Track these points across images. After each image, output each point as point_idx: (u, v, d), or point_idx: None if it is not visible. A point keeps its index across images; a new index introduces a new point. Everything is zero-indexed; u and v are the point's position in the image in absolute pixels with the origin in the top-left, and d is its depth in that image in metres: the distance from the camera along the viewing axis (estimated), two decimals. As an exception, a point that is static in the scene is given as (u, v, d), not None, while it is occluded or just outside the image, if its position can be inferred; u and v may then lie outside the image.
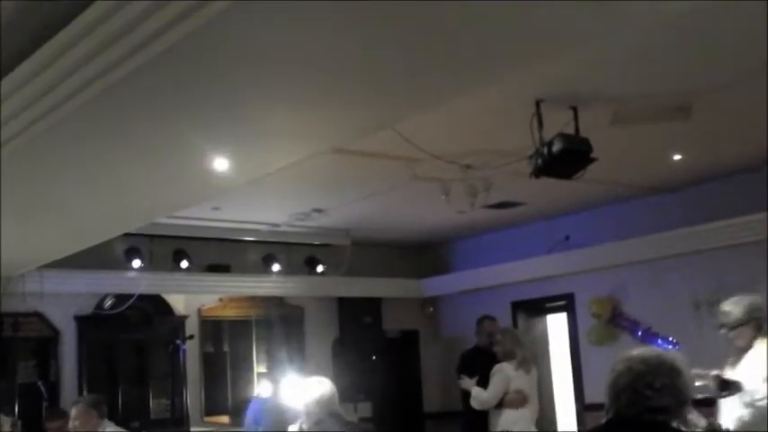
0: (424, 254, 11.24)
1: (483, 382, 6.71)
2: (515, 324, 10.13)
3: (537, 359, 10.16)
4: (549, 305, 10.24)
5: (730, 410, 4.77)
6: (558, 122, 5.60)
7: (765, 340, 4.80)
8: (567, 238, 9.52)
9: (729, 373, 4.81)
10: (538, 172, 5.72)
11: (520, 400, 6.61)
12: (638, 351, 2.68)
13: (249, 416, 8.36)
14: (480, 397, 6.71)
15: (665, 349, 4.56)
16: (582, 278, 9.43)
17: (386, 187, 7.64)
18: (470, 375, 6.84)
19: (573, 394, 9.73)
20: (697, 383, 5.58)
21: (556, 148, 5.57)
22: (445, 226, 9.85)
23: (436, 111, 4.87)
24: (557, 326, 10.35)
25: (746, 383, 4.71)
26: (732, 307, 4.91)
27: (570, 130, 5.66)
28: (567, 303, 9.85)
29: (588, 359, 9.38)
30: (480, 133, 6.21)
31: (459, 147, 6.39)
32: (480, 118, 5.86)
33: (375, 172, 7.15)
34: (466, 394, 7.00)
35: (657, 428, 2.53)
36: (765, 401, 4.65)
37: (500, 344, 6.77)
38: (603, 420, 2.64)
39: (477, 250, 10.64)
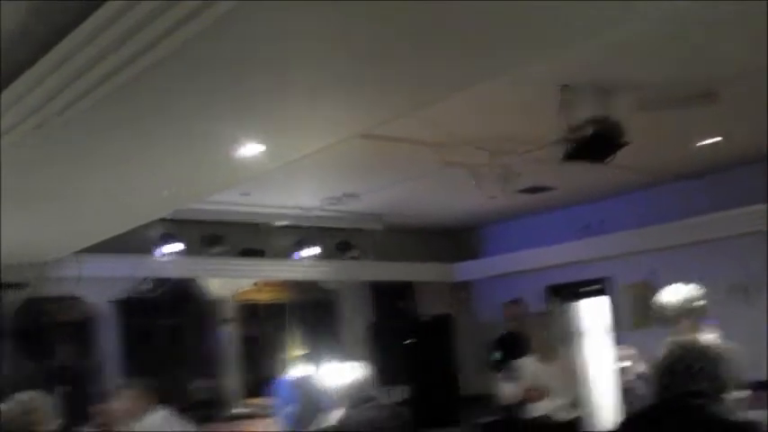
0: (456, 238, 11.24)
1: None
2: (549, 308, 10.11)
3: (571, 343, 10.17)
4: (583, 289, 10.20)
5: None
6: (588, 107, 5.56)
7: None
8: (600, 222, 9.47)
9: None
10: (569, 156, 5.70)
11: (537, 396, 6.58)
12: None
13: (282, 396, 8.39)
14: (503, 394, 6.72)
15: (711, 330, 4.46)
16: (617, 262, 9.39)
17: (416, 173, 7.65)
18: (503, 360, 6.84)
19: (609, 379, 9.68)
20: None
21: (587, 132, 5.55)
22: (477, 211, 9.84)
23: (466, 96, 4.85)
24: (591, 310, 10.30)
25: None
26: None
27: (601, 115, 5.62)
28: (602, 287, 9.81)
29: (623, 343, 9.32)
30: (510, 118, 6.19)
31: (488, 132, 6.38)
32: (510, 102, 5.84)
33: (405, 157, 7.15)
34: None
35: (692, 413, 2.51)
36: None
37: (523, 326, 6.79)
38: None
39: (509, 235, 10.63)
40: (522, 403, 6.61)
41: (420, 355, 10.74)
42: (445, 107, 5.11)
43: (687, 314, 4.55)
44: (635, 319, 9.17)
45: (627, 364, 6.00)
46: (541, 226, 10.07)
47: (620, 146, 5.70)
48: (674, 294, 4.64)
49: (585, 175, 7.30)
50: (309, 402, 7.85)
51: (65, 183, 5.52)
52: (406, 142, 6.55)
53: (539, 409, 6.55)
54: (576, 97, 5.50)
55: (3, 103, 4.50)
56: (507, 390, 6.66)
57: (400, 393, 10.25)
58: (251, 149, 4.92)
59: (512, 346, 6.96)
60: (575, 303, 10.42)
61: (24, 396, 4.63)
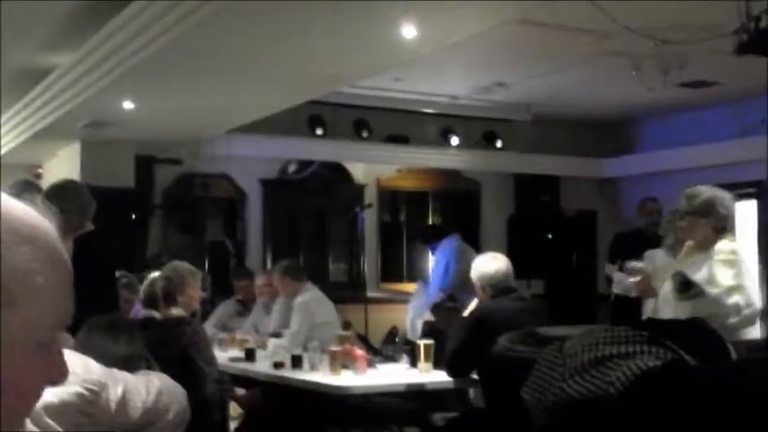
0: (607, 132, 10.89)
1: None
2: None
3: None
4: (738, 192, 9.75)
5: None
6: (768, -5, 5.17)
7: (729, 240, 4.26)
8: (763, 122, 8.97)
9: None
10: (742, 49, 5.33)
11: (651, 291, 6.31)
12: None
13: (441, 255, 7.91)
14: (622, 283, 6.49)
15: None
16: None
17: (573, 62, 7.38)
18: (622, 258, 6.59)
19: (757, 285, 9.35)
20: (630, 279, 5.14)
21: (764, 23, 5.16)
22: (632, 104, 9.48)
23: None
24: (746, 213, 9.88)
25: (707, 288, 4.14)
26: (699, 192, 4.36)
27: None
28: (758, 191, 9.38)
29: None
30: (679, 6, 5.84)
31: (654, 20, 6.04)
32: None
33: (563, 45, 6.90)
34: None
35: None
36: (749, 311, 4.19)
37: (657, 224, 6.51)
38: None
39: (664, 131, 10.21)
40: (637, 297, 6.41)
41: (561, 250, 10.60)
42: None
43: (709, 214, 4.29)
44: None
45: None
46: (698, 123, 9.62)
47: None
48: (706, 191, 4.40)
49: (754, 70, 6.86)
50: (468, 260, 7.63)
51: (222, 61, 5.59)
52: (564, 29, 6.31)
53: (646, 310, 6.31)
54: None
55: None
56: (619, 280, 6.43)
57: (538, 287, 10.22)
58: (408, 32, 4.82)
59: (639, 242, 6.66)
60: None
61: (177, 265, 4.83)
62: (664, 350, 1.62)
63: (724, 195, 4.40)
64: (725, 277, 4.18)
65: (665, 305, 4.44)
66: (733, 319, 4.14)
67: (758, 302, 4.29)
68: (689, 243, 4.51)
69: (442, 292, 7.60)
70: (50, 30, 6.04)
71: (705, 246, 4.32)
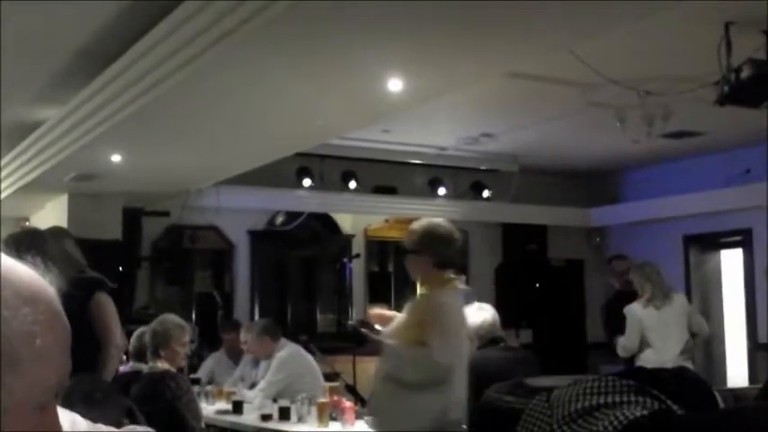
0: (594, 182, 10.96)
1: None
2: (687, 259, 9.80)
3: (707, 296, 9.85)
4: (723, 240, 9.82)
5: None
6: (747, 47, 5.25)
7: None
8: (748, 171, 9.05)
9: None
10: (724, 99, 5.41)
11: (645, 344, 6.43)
12: None
13: None
14: (622, 345, 6.57)
15: None
16: (761, 213, 8.96)
17: (559, 113, 7.46)
18: (614, 325, 6.69)
19: (745, 332, 9.37)
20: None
21: (745, 74, 5.24)
22: (617, 154, 9.55)
23: (616, 33, 4.66)
24: (731, 262, 9.92)
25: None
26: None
27: (761, 56, 5.31)
28: (743, 239, 9.43)
29: (763, 297, 8.96)
30: (662, 58, 5.93)
31: (638, 72, 6.13)
32: (663, 41, 5.59)
33: (548, 97, 6.97)
34: None
35: None
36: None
37: (632, 283, 6.57)
38: None
39: (649, 181, 10.29)
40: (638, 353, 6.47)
41: (549, 299, 10.61)
42: (593, 45, 4.93)
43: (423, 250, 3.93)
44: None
45: None
46: (687, 172, 9.70)
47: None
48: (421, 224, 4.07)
49: (738, 120, 6.95)
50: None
51: (209, 115, 5.62)
52: (549, 81, 6.38)
53: (642, 360, 6.35)
54: (734, 36, 5.20)
55: (153, 39, 4.59)
56: (623, 341, 6.52)
57: (527, 336, 10.20)
58: (394, 85, 4.87)
59: (622, 304, 6.74)
60: (714, 254, 10.06)
61: (165, 318, 4.83)
62: (651, 399, 1.62)
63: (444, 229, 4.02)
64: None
65: None
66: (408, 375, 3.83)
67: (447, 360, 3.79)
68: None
69: None
70: (40, 85, 6.08)
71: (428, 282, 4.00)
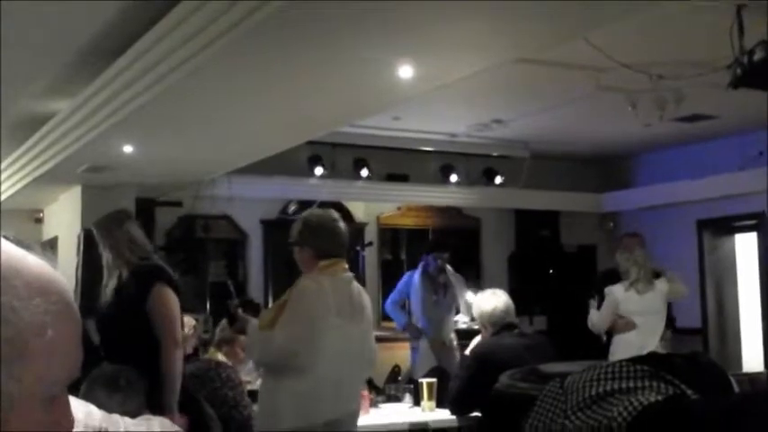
0: (606, 168, 10.94)
1: None
2: (701, 243, 9.76)
3: (722, 280, 9.82)
4: (737, 224, 9.78)
5: None
6: (760, 30, 5.21)
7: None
8: (761, 153, 9.00)
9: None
10: (736, 82, 5.37)
11: (623, 326, 6.32)
12: None
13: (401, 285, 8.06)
14: (592, 321, 6.53)
15: None
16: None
17: (570, 98, 7.44)
18: (600, 296, 6.62)
19: (760, 316, 9.33)
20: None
21: (757, 57, 5.20)
22: (629, 139, 9.52)
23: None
24: (746, 246, 9.89)
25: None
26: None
27: (775, 39, 5.27)
28: (757, 222, 9.39)
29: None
30: (674, 41, 5.90)
31: (650, 55, 6.10)
32: (675, 25, 5.55)
33: (559, 82, 6.95)
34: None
35: None
36: None
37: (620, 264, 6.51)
38: None
39: (662, 165, 10.25)
40: (609, 332, 6.42)
41: (563, 285, 10.59)
42: (605, 29, 4.89)
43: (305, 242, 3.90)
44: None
45: None
46: (700, 156, 9.65)
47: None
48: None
49: (751, 103, 6.90)
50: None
51: (221, 105, 5.63)
52: (560, 66, 6.36)
53: (616, 345, 6.29)
54: (747, 18, 5.16)
55: (163, 28, 4.60)
56: (594, 317, 6.47)
57: (540, 323, 10.20)
58: (404, 72, 4.86)
59: (614, 279, 6.66)
60: (728, 238, 10.02)
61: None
62: (665, 384, 1.62)
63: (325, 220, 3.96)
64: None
65: None
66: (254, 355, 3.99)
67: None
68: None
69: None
70: (51, 78, 6.09)
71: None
